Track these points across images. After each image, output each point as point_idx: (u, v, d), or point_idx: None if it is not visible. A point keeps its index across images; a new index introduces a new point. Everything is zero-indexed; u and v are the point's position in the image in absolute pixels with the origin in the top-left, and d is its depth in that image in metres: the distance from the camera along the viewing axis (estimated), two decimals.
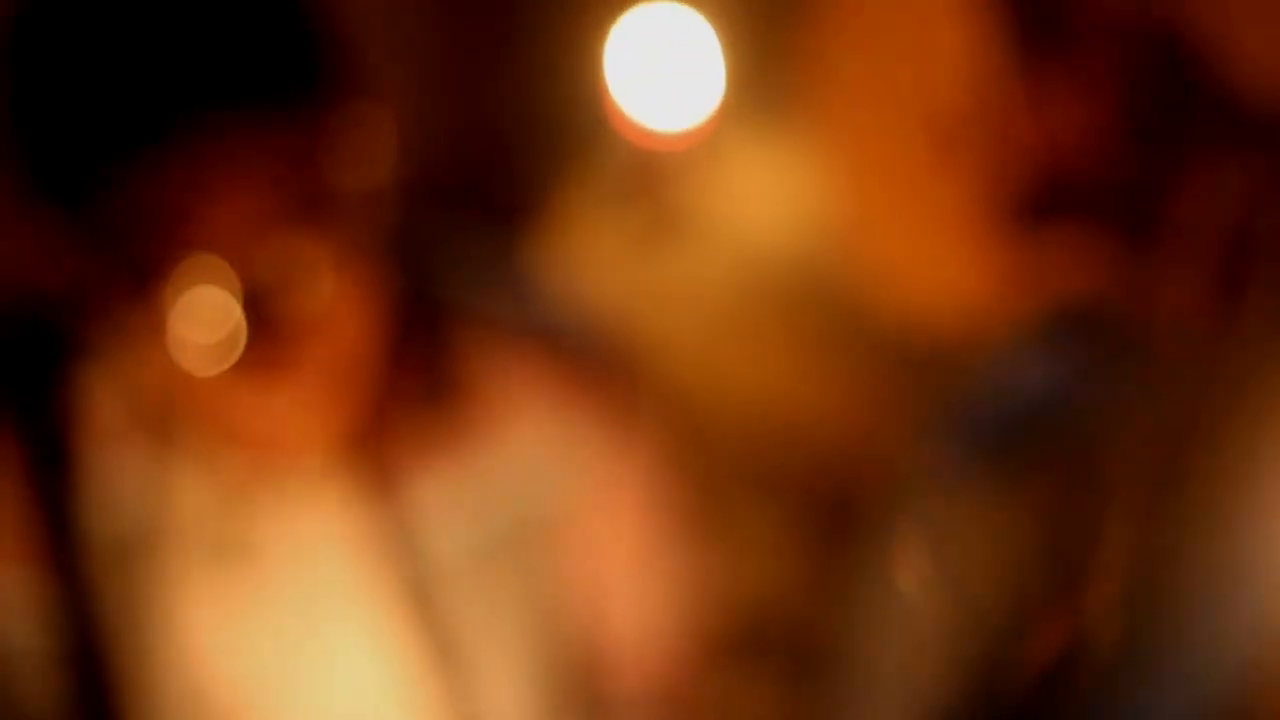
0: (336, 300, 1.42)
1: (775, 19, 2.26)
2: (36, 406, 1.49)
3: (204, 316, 1.36)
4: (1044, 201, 1.87)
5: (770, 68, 2.25)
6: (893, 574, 1.83)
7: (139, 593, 1.50)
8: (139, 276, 1.36)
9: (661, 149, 2.41)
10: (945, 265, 2.01)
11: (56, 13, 1.36)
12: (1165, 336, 1.79)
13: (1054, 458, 1.78)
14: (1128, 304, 1.82)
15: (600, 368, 1.61)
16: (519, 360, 1.58)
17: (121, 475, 1.49)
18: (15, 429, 1.48)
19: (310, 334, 1.41)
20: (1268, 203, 1.70)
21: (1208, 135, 1.74)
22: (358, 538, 1.52)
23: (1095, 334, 1.85)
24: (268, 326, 1.37)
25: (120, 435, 1.50)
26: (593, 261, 2.82)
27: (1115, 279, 1.83)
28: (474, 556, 1.55)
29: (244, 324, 1.37)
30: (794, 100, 2.77)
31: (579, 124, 2.45)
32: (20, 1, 1.39)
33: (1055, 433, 1.79)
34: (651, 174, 2.58)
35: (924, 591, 1.81)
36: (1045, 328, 1.88)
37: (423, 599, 1.51)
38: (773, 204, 2.85)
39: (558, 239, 2.83)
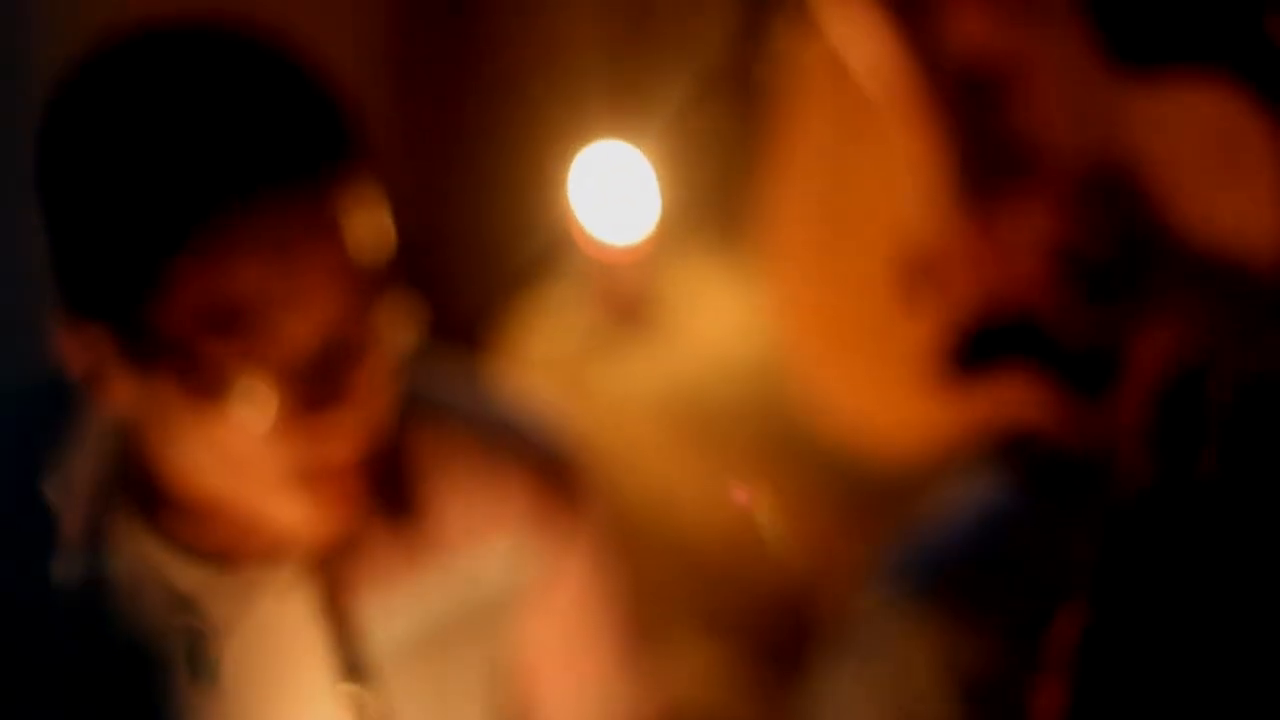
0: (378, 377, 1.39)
1: (706, 157, 2.80)
2: None
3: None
4: (991, 343, 1.90)
5: (702, 197, 2.77)
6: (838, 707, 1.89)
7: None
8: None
9: (612, 260, 2.78)
10: (888, 403, 2.04)
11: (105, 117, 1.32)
12: (1109, 476, 1.78)
13: (998, 590, 1.81)
14: (1074, 444, 1.86)
15: (549, 468, 1.58)
16: (465, 456, 1.56)
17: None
18: None
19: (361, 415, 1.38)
20: (1216, 350, 1.74)
21: (1158, 283, 1.77)
22: (311, 629, 1.51)
23: (1041, 473, 1.89)
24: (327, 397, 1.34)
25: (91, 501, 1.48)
26: (546, 364, 2.90)
27: (1063, 420, 1.87)
28: (415, 645, 1.55)
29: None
30: (736, 226, 2.93)
31: (542, 238, 2.86)
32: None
33: (1000, 566, 1.82)
34: (604, 280, 2.81)
35: None
36: (991, 465, 1.92)
37: (365, 686, 1.51)
38: (723, 317, 2.95)
39: (514, 342, 2.92)
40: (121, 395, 1.38)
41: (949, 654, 1.79)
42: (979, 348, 1.93)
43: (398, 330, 1.38)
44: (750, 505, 2.68)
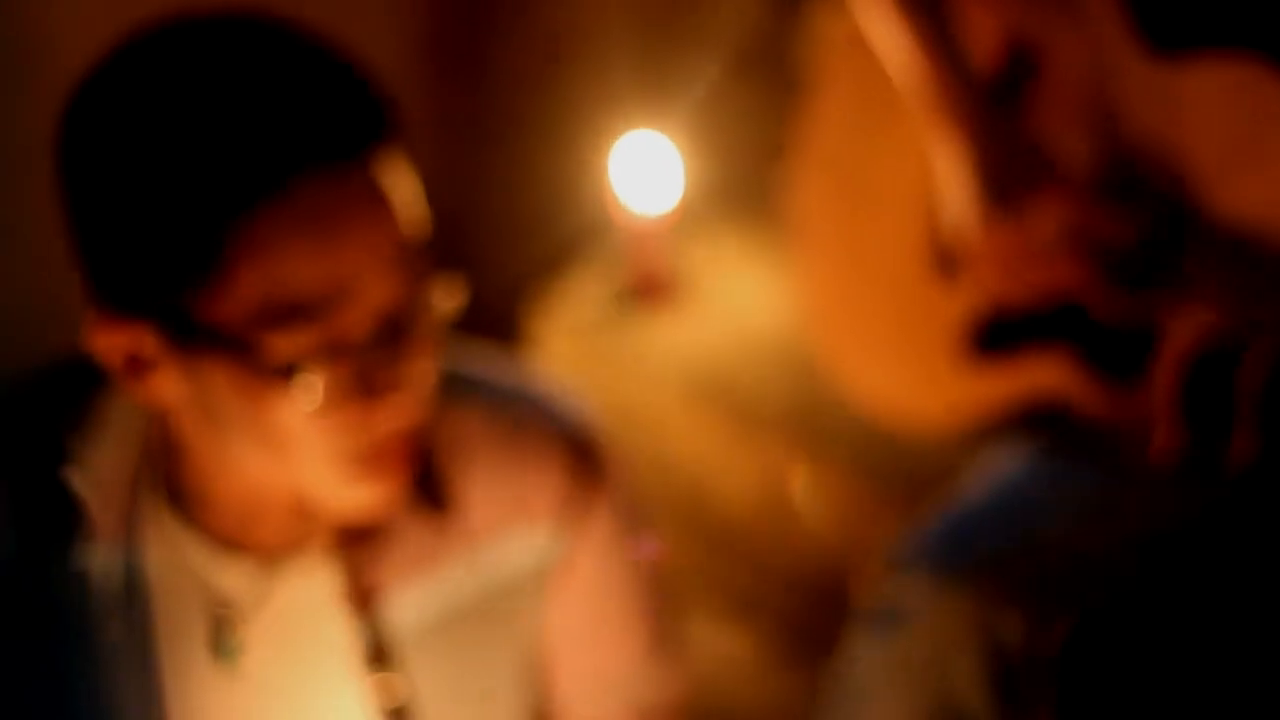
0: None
1: (735, 137, 3.04)
2: None
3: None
4: (1023, 324, 1.92)
5: (730, 175, 3.05)
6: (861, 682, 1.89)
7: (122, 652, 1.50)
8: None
9: (642, 234, 2.92)
10: (916, 380, 2.06)
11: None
12: (1140, 454, 1.82)
13: (1030, 569, 1.81)
14: (1106, 422, 1.87)
15: (577, 451, 1.57)
16: (493, 440, 1.55)
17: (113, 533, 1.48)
18: None
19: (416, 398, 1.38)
20: (1248, 330, 1.74)
21: (1190, 264, 1.78)
22: (336, 614, 1.51)
23: (1072, 449, 1.90)
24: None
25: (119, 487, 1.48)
26: (577, 333, 2.93)
27: (1095, 398, 1.88)
28: (438, 628, 1.54)
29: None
30: (764, 204, 2.98)
31: (576, 215, 3.03)
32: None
33: (1031, 544, 1.83)
34: (635, 255, 2.92)
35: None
36: (1022, 440, 1.93)
37: (388, 671, 1.52)
38: (750, 292, 2.97)
39: (548, 313, 2.96)
40: (166, 389, 1.37)
41: (981, 633, 1.79)
42: (1010, 328, 1.94)
43: (443, 308, 1.37)
44: (780, 476, 2.69)
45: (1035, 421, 1.93)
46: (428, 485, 1.51)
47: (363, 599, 1.50)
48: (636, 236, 2.90)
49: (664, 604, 1.67)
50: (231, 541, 1.48)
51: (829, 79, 2.15)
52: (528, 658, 1.60)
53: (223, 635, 1.49)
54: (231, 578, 1.48)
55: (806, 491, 2.67)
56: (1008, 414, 1.96)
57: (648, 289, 2.92)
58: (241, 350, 1.30)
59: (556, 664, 1.63)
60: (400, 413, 1.36)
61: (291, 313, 1.29)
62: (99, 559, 1.47)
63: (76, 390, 1.47)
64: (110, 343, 1.35)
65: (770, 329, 2.88)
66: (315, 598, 1.50)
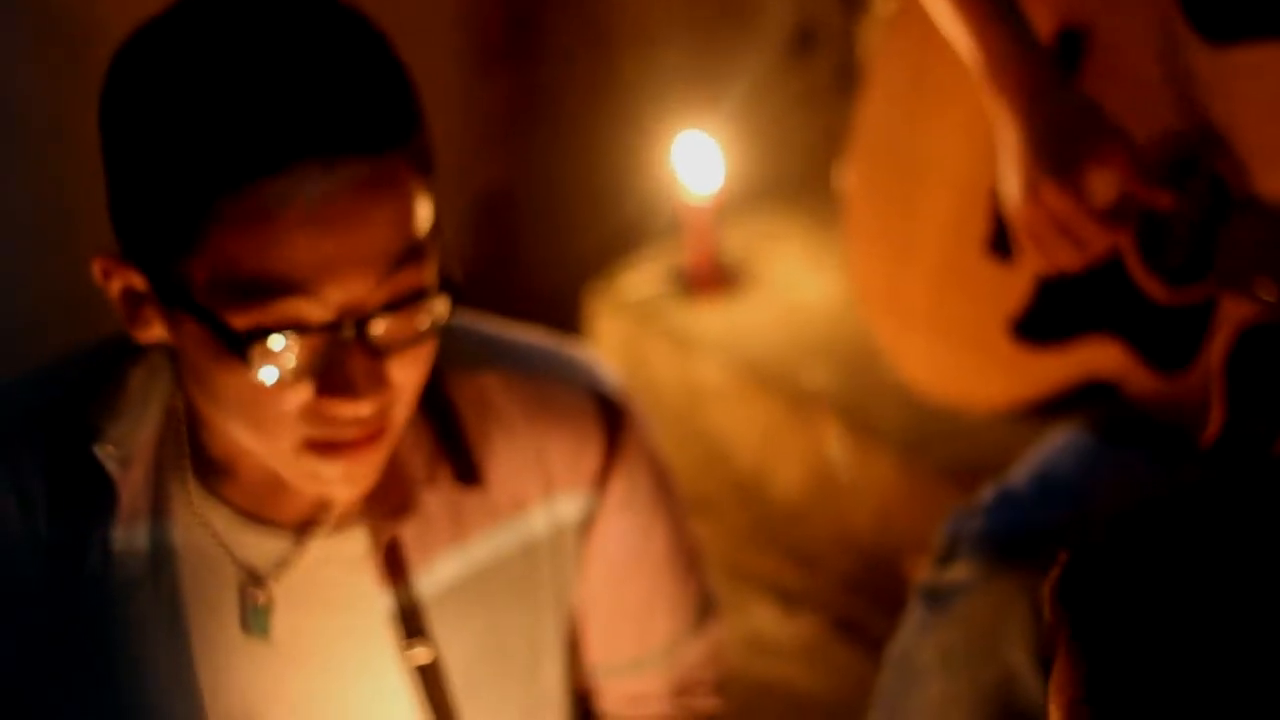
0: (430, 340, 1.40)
1: (780, 130, 3.17)
2: None
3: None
4: (1074, 307, 1.92)
5: (775, 164, 3.19)
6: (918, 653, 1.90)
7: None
8: None
9: (697, 218, 3.00)
10: (968, 363, 2.06)
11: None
12: (1188, 441, 1.78)
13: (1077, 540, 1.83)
14: (1155, 405, 1.86)
15: (608, 419, 1.58)
16: (523, 412, 1.56)
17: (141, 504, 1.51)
18: None
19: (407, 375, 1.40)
20: None
21: (1241, 247, 1.76)
22: (366, 586, 1.52)
23: (1124, 433, 1.88)
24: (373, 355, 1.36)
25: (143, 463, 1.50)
26: (635, 307, 2.97)
27: (1145, 381, 1.87)
28: (468, 593, 1.55)
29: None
30: (818, 190, 3.02)
31: (637, 199, 3.15)
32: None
33: (1077, 521, 1.81)
34: (690, 236, 3.00)
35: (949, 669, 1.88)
36: (1074, 424, 1.92)
37: (419, 642, 1.53)
38: (805, 270, 3.00)
39: (609, 288, 2.99)
40: (154, 333, 1.40)
41: (1033, 610, 1.80)
42: (1062, 309, 1.94)
43: (423, 324, 1.38)
44: (830, 458, 2.71)
45: (1085, 404, 1.93)
46: (456, 453, 1.53)
47: (392, 568, 1.52)
48: (692, 222, 2.95)
49: (703, 574, 1.67)
50: (259, 513, 1.51)
51: (882, 61, 2.16)
52: (560, 624, 1.60)
53: (251, 606, 1.51)
54: (259, 549, 1.50)
55: (849, 465, 2.67)
56: (1058, 396, 1.96)
57: (703, 273, 2.96)
58: (208, 316, 1.33)
59: (590, 632, 1.63)
60: (358, 420, 1.37)
61: (256, 290, 1.31)
62: (126, 532, 1.49)
63: (102, 369, 1.49)
64: (111, 280, 1.39)
65: (823, 313, 2.90)
66: (344, 567, 1.52)
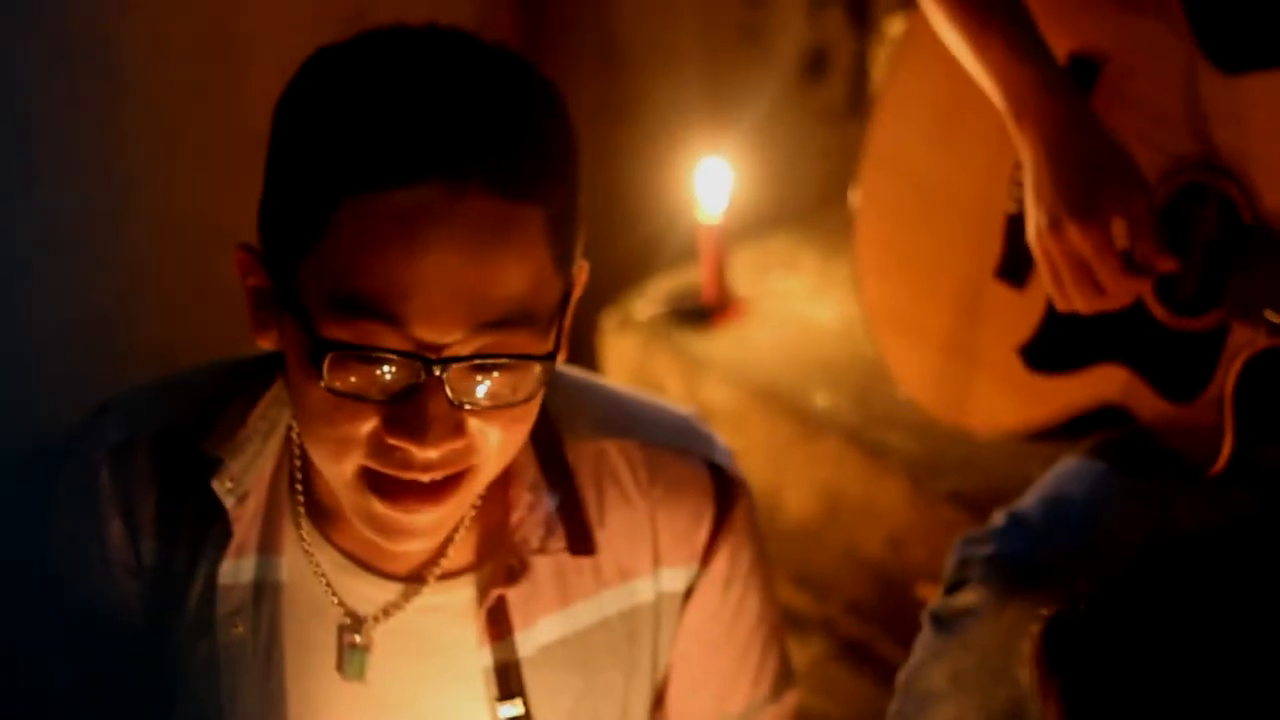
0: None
1: (769, 161, 3.15)
2: None
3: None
4: (1087, 334, 1.91)
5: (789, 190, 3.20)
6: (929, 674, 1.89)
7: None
8: None
9: (709, 243, 2.99)
10: (973, 393, 2.06)
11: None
12: (1197, 467, 1.81)
13: (1085, 570, 1.78)
14: (1164, 432, 1.86)
15: (721, 495, 1.59)
16: (641, 485, 1.57)
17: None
18: None
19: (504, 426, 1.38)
20: None
21: (1255, 273, 1.76)
22: (467, 642, 1.53)
23: (1132, 459, 1.88)
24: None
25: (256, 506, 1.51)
26: (647, 327, 2.97)
27: (1154, 409, 1.87)
28: (563, 650, 1.56)
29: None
30: (824, 214, 3.00)
31: (652, 225, 3.16)
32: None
33: (1094, 556, 1.79)
34: (706, 254, 3.00)
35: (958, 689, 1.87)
36: (1080, 451, 1.91)
37: (512, 694, 1.54)
38: (817, 294, 3.00)
39: (624, 310, 3.00)
40: (270, 338, 1.42)
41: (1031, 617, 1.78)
42: (1073, 336, 1.93)
43: (525, 385, 1.36)
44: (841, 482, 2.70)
45: (1096, 429, 1.93)
46: (573, 523, 1.53)
47: (495, 626, 1.52)
48: (704, 244, 2.95)
49: (784, 644, 1.69)
50: (368, 560, 1.51)
51: (893, 84, 2.16)
52: (650, 687, 1.62)
53: (349, 648, 1.52)
54: (364, 595, 1.51)
55: (857, 488, 2.67)
56: (1069, 421, 1.96)
57: (714, 296, 2.96)
58: (304, 318, 1.34)
59: (673, 693, 1.64)
60: (425, 455, 1.36)
61: (350, 304, 1.32)
62: (234, 565, 1.50)
63: (228, 394, 1.51)
64: (246, 276, 1.41)
65: (834, 336, 2.90)
66: (447, 619, 1.52)
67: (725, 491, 1.59)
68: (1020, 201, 1.89)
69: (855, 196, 2.19)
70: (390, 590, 1.52)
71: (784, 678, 1.69)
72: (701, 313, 2.98)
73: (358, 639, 1.52)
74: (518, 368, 1.35)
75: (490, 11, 3.11)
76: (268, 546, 1.51)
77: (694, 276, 3.01)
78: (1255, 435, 1.80)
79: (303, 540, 1.51)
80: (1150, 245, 1.78)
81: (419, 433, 1.34)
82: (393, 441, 1.35)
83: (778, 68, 3.25)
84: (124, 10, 2.70)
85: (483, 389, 1.35)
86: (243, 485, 1.49)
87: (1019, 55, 1.82)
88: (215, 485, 1.48)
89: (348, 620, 1.52)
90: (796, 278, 3.07)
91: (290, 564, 1.51)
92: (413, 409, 1.33)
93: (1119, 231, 1.78)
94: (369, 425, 1.35)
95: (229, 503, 1.49)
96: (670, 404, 1.65)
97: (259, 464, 1.50)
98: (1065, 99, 1.79)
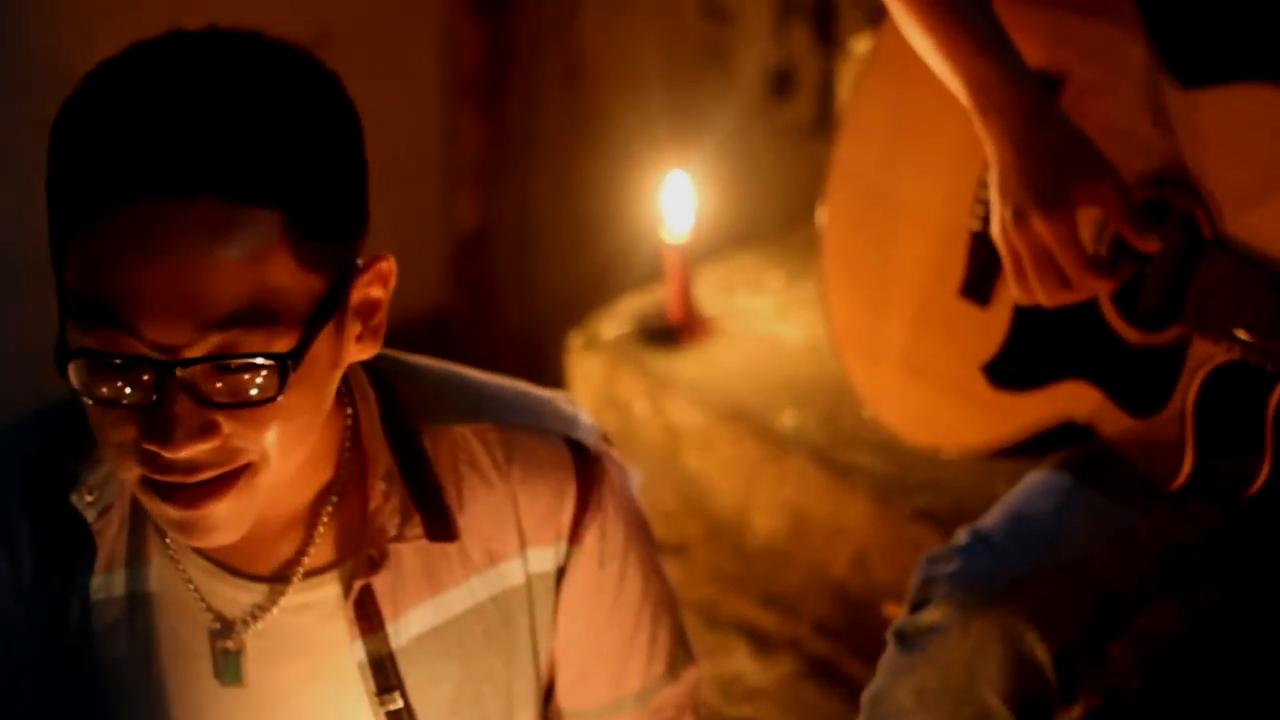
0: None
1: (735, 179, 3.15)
2: None
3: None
4: (1049, 349, 1.92)
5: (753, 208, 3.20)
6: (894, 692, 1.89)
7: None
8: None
9: (674, 261, 2.98)
10: (940, 406, 2.06)
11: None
12: (1159, 483, 1.82)
13: (1059, 601, 1.80)
14: (1127, 447, 1.86)
15: (583, 471, 1.58)
16: (499, 465, 1.56)
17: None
18: None
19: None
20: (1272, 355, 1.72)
21: (1216, 286, 1.76)
22: (340, 637, 1.53)
23: (1091, 477, 1.88)
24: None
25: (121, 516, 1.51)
26: (611, 346, 2.97)
27: (1117, 424, 1.87)
28: (440, 641, 1.56)
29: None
30: (788, 232, 3.01)
31: (616, 243, 3.16)
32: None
33: (1059, 575, 1.81)
34: (672, 274, 2.99)
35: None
36: (1043, 468, 1.92)
37: (391, 691, 1.54)
38: (782, 313, 3.00)
39: (588, 328, 3.00)
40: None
41: (1006, 651, 1.80)
42: (1036, 353, 1.94)
43: (266, 384, 1.37)
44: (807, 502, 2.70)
45: (1060, 445, 1.93)
46: (430, 509, 1.53)
47: (364, 618, 1.53)
48: (672, 265, 2.95)
49: (677, 619, 1.68)
50: (233, 564, 1.51)
51: (858, 103, 2.16)
52: (535, 672, 1.61)
53: (222, 653, 1.52)
54: (232, 598, 1.51)
55: (821, 505, 2.67)
56: (1033, 438, 1.96)
57: (681, 315, 2.96)
58: (62, 328, 1.37)
59: (564, 678, 1.64)
60: (177, 456, 1.36)
61: (86, 311, 1.34)
62: (105, 580, 1.50)
63: (82, 418, 1.47)
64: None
65: (800, 355, 2.90)
66: (316, 616, 1.52)
67: (587, 468, 1.58)
68: (985, 219, 1.90)
69: (822, 215, 2.19)
70: (256, 591, 1.51)
71: (681, 656, 1.67)
72: (668, 332, 2.98)
73: (229, 644, 1.52)
74: (254, 367, 1.35)
75: (455, 33, 3.12)
76: (136, 558, 1.51)
77: (660, 296, 3.01)
78: (1215, 450, 1.80)
79: (169, 548, 1.51)
80: (1128, 227, 1.79)
81: (164, 436, 1.35)
82: (146, 446, 1.36)
83: (743, 86, 3.26)
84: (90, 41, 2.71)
85: (222, 389, 1.35)
86: (104, 498, 1.49)
87: (983, 50, 1.83)
88: (74, 499, 1.49)
89: (217, 625, 1.51)
90: (763, 297, 3.07)
91: (158, 574, 1.51)
92: (159, 413, 1.35)
93: (1086, 234, 1.78)
94: (130, 432, 1.37)
95: (90, 516, 1.49)
96: (536, 387, 1.64)
97: (115, 477, 1.49)
98: (1030, 92, 1.81)
